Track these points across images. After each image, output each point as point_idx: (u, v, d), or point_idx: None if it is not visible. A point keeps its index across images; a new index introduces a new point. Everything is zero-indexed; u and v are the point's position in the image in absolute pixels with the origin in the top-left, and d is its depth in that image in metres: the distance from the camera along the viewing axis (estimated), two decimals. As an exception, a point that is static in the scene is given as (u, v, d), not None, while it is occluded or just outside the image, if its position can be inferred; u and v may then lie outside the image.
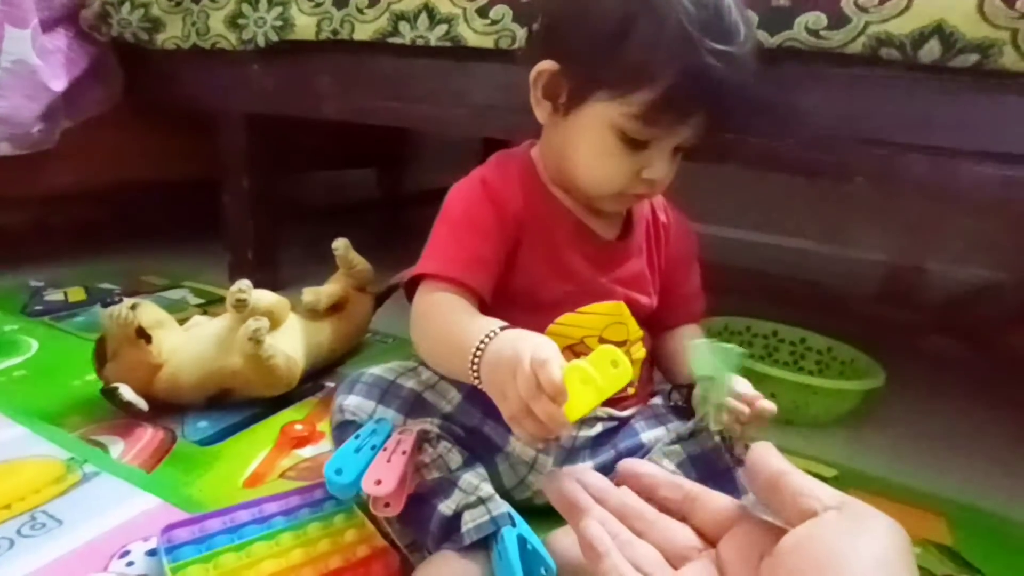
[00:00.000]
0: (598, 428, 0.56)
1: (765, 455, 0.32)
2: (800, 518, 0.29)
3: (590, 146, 0.51)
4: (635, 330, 0.58)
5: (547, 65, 0.52)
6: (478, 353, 0.41)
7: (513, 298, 0.54)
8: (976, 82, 0.57)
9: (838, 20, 0.59)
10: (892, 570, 0.26)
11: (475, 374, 0.41)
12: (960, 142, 0.59)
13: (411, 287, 0.53)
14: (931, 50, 0.56)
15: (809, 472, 0.31)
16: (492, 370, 0.40)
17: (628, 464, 0.39)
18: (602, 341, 0.54)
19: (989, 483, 0.70)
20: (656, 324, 0.62)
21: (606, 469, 0.51)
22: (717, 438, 0.50)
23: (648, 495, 0.36)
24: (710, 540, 0.34)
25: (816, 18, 0.59)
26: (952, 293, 1.29)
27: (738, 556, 0.31)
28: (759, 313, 0.96)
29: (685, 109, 0.48)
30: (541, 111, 0.54)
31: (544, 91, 0.53)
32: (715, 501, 0.35)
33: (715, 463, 0.50)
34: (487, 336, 0.41)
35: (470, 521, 0.46)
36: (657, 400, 0.60)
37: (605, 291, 0.56)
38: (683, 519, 0.35)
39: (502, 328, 0.42)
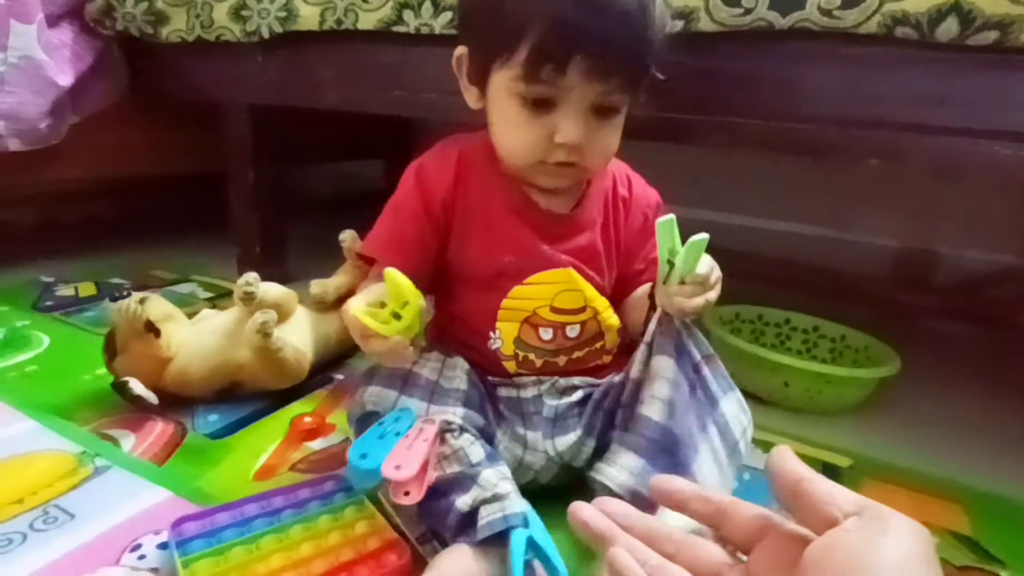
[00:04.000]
0: (579, 395, 0.57)
1: (784, 461, 0.32)
2: (823, 526, 0.29)
3: (500, 118, 0.53)
4: (594, 296, 0.57)
5: (460, 50, 0.54)
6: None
7: (464, 277, 0.57)
8: (990, 60, 0.55)
9: (852, -1, 0.57)
10: (916, 574, 0.26)
11: None
12: (974, 121, 0.58)
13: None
14: (949, 28, 0.55)
15: (823, 461, 0.31)
16: None
17: (659, 481, 0.38)
18: (554, 310, 0.55)
19: (1009, 470, 0.68)
20: (618, 298, 0.61)
21: (596, 430, 0.56)
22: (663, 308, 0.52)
23: (680, 509, 0.37)
24: (743, 550, 0.34)
25: (829, -3, 0.58)
26: (967, 276, 1.27)
27: (768, 569, 0.31)
28: (771, 301, 0.94)
29: (559, 61, 0.47)
30: (470, 97, 0.55)
31: (467, 77, 0.55)
32: (744, 512, 0.35)
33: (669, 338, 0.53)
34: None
35: (485, 517, 0.46)
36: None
37: (549, 260, 0.55)
38: (715, 529, 0.36)
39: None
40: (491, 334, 0.56)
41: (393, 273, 0.45)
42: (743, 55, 0.65)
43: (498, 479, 0.48)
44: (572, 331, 0.56)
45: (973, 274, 1.26)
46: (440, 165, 0.56)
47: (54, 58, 1.00)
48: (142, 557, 0.48)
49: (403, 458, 0.45)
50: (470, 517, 0.46)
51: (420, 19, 0.80)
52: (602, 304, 0.57)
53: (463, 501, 0.46)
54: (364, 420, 0.52)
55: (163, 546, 0.49)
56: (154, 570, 0.47)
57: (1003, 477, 0.66)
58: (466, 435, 0.50)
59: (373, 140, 1.70)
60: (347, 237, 0.86)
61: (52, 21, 1.01)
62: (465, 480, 0.48)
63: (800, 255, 1.37)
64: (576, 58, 0.46)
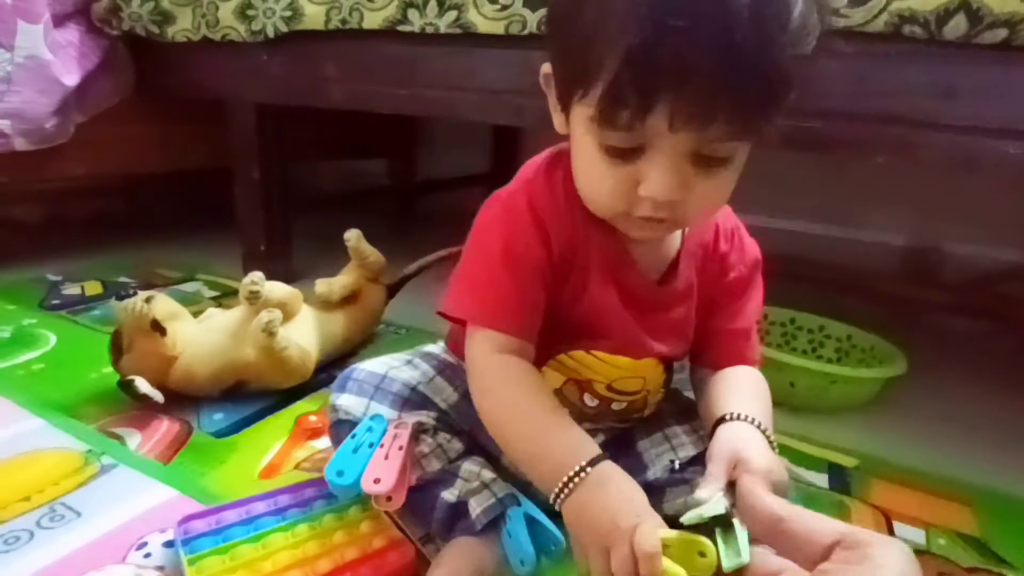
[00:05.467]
0: (599, 439, 0.53)
1: (758, 499, 0.32)
2: (809, 565, 0.29)
3: (579, 156, 0.43)
4: (655, 379, 0.52)
5: (545, 68, 0.44)
6: (565, 491, 0.38)
7: None
8: (998, 57, 0.55)
9: (859, -4, 0.57)
10: None
11: (557, 504, 0.39)
12: (982, 119, 0.58)
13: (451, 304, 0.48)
14: (957, 26, 0.54)
15: (830, 461, 0.31)
16: (581, 523, 0.38)
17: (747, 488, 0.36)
18: (609, 388, 0.50)
19: (1017, 470, 0.68)
20: (697, 356, 0.53)
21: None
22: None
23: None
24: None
25: (837, -5, 0.58)
26: (975, 274, 1.26)
27: None
28: (777, 299, 0.94)
29: (637, 105, 0.35)
30: (556, 120, 0.45)
31: (556, 96, 0.44)
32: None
33: None
34: (576, 475, 0.38)
35: (477, 506, 0.46)
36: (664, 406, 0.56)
37: (634, 344, 0.48)
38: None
39: (590, 462, 0.39)
40: None
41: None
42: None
43: (479, 468, 0.48)
44: (618, 406, 0.52)
45: (981, 271, 1.25)
46: (554, 199, 0.45)
47: (60, 58, 1.01)
48: (148, 555, 0.48)
49: (381, 470, 0.45)
50: (457, 509, 0.47)
51: (425, 18, 0.80)
52: (656, 386, 0.52)
53: (449, 493, 0.47)
54: (337, 428, 0.52)
55: (169, 544, 0.49)
56: (160, 568, 0.47)
57: (1011, 477, 0.66)
58: (442, 433, 0.50)
59: (377, 138, 1.70)
60: (352, 236, 0.86)
61: (59, 21, 1.02)
62: (447, 475, 0.48)
63: (807, 252, 1.36)
64: (658, 103, 0.35)
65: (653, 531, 0.34)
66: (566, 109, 0.42)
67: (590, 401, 0.51)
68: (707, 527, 0.36)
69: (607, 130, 0.38)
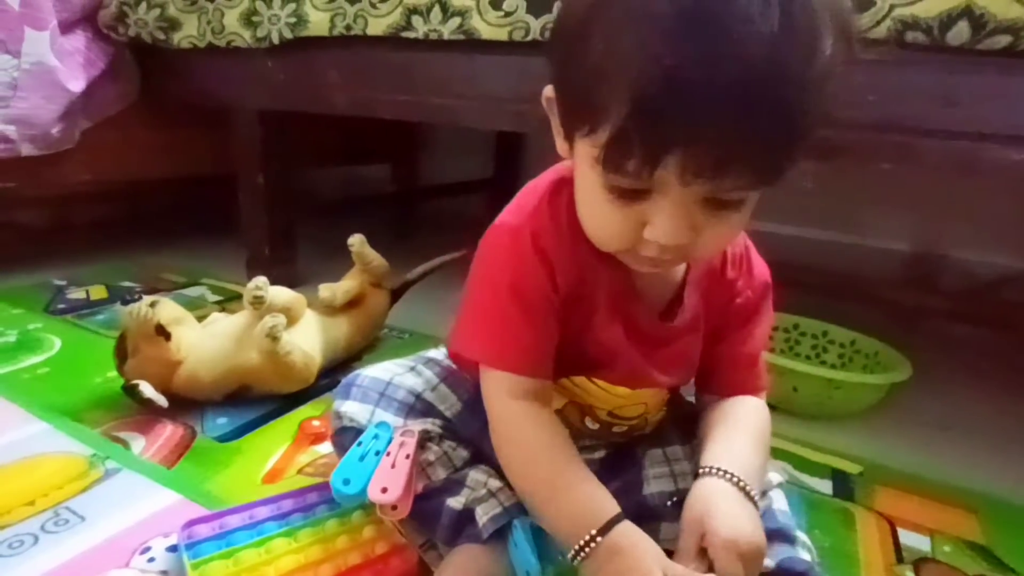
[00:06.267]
0: (600, 453, 0.53)
1: None
2: None
3: (583, 192, 0.41)
4: (656, 404, 0.52)
5: (547, 91, 0.42)
6: (581, 554, 0.40)
7: None
8: (1002, 64, 0.55)
9: (862, 3, 0.57)
10: None
11: (574, 563, 0.40)
12: (985, 126, 0.58)
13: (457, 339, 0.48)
14: (960, 32, 0.55)
15: (833, 467, 0.31)
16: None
17: None
18: (611, 415, 0.50)
19: (1022, 477, 0.68)
20: (704, 381, 0.52)
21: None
22: None
23: None
24: None
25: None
26: (979, 280, 1.26)
27: None
28: (781, 306, 0.94)
29: (645, 157, 0.33)
30: (559, 144, 0.43)
31: (559, 124, 0.42)
32: None
33: None
34: (590, 542, 0.39)
35: (484, 515, 0.46)
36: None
37: (638, 376, 0.47)
38: None
39: (602, 529, 0.39)
40: None
41: None
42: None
43: (486, 477, 0.48)
44: (618, 429, 0.51)
45: (985, 277, 1.25)
46: (558, 233, 0.43)
47: (67, 64, 1.02)
48: (152, 560, 0.48)
49: (388, 479, 0.45)
50: (463, 517, 0.46)
51: (429, 25, 0.80)
52: (657, 410, 0.52)
53: (456, 501, 0.47)
54: (341, 435, 0.52)
55: (173, 548, 0.49)
56: (164, 572, 0.47)
57: (1017, 484, 0.66)
58: (447, 441, 0.50)
59: (380, 143, 1.71)
60: (355, 242, 0.87)
61: (65, 27, 1.03)
62: (453, 484, 0.48)
63: (810, 258, 1.36)
64: (669, 155, 0.32)
65: None
66: (569, 139, 0.40)
67: (591, 424, 0.51)
68: None
69: (612, 174, 0.35)
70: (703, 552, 0.39)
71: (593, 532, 0.39)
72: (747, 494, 0.41)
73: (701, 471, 0.43)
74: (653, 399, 0.51)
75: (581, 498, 0.41)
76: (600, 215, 0.39)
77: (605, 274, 0.45)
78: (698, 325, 0.49)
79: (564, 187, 0.45)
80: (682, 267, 0.48)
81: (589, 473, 0.43)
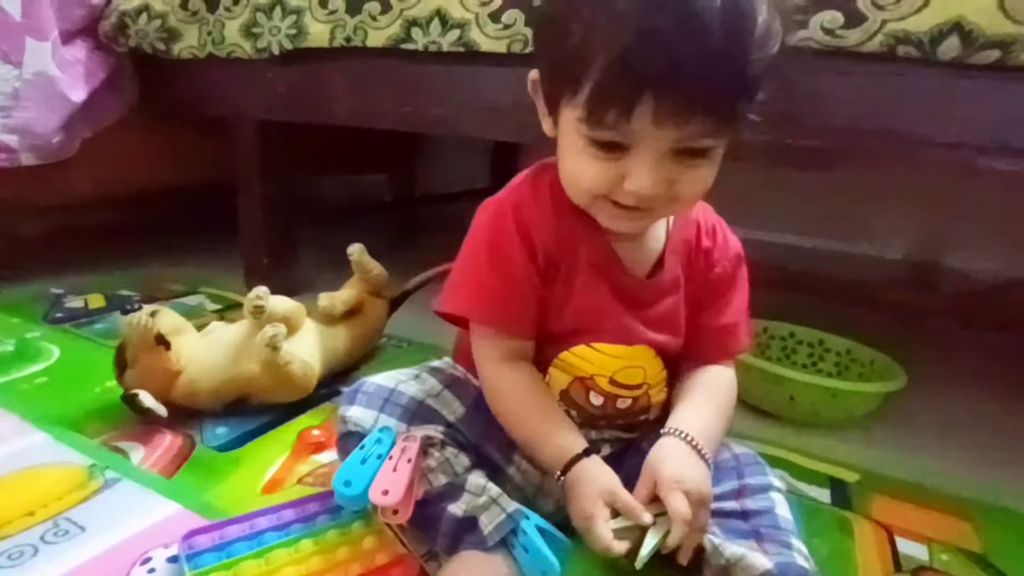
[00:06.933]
0: (606, 450, 0.55)
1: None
2: None
3: (568, 151, 0.47)
4: (655, 373, 0.54)
5: (533, 74, 0.49)
6: (559, 480, 0.49)
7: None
8: (994, 77, 0.56)
9: (854, 18, 0.58)
10: None
11: (560, 482, 0.49)
12: (978, 137, 0.59)
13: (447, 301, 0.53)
14: (950, 47, 0.56)
15: (830, 476, 0.31)
16: (571, 505, 0.48)
17: None
18: (612, 383, 0.53)
19: (1019, 485, 0.68)
20: (686, 351, 0.56)
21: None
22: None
23: None
24: None
25: (832, 17, 0.59)
26: (975, 286, 1.27)
27: None
28: (777, 314, 0.95)
29: (622, 105, 0.40)
30: (545, 124, 0.49)
31: (544, 103, 0.49)
32: None
33: None
34: (558, 478, 0.49)
35: (488, 523, 0.46)
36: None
37: (629, 333, 0.52)
38: None
39: (569, 462, 0.48)
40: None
41: None
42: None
43: (484, 481, 0.49)
44: (623, 403, 0.54)
45: (981, 283, 1.26)
46: (538, 203, 0.50)
47: (68, 74, 1.02)
48: (152, 570, 0.48)
49: (389, 482, 0.45)
50: (464, 524, 0.47)
51: (428, 37, 0.81)
52: (656, 381, 0.55)
53: (456, 507, 0.47)
54: (346, 440, 0.52)
55: (173, 559, 0.49)
56: (164, 583, 0.47)
57: (1013, 492, 0.66)
58: (449, 448, 0.50)
59: (379, 153, 1.71)
60: (355, 251, 0.87)
61: (66, 38, 1.03)
62: (454, 490, 0.48)
63: (806, 265, 1.37)
64: (643, 101, 0.39)
65: (604, 529, 0.44)
66: (554, 112, 0.47)
67: (596, 400, 0.53)
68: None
69: (594, 128, 0.42)
70: (656, 500, 0.45)
71: (557, 472, 0.49)
72: (699, 453, 0.48)
73: (663, 432, 0.50)
74: (649, 363, 0.54)
75: (555, 443, 0.50)
76: (582, 166, 0.45)
77: (586, 241, 0.51)
78: (679, 287, 0.54)
79: (547, 169, 0.52)
80: (661, 237, 0.54)
81: (564, 420, 0.51)
